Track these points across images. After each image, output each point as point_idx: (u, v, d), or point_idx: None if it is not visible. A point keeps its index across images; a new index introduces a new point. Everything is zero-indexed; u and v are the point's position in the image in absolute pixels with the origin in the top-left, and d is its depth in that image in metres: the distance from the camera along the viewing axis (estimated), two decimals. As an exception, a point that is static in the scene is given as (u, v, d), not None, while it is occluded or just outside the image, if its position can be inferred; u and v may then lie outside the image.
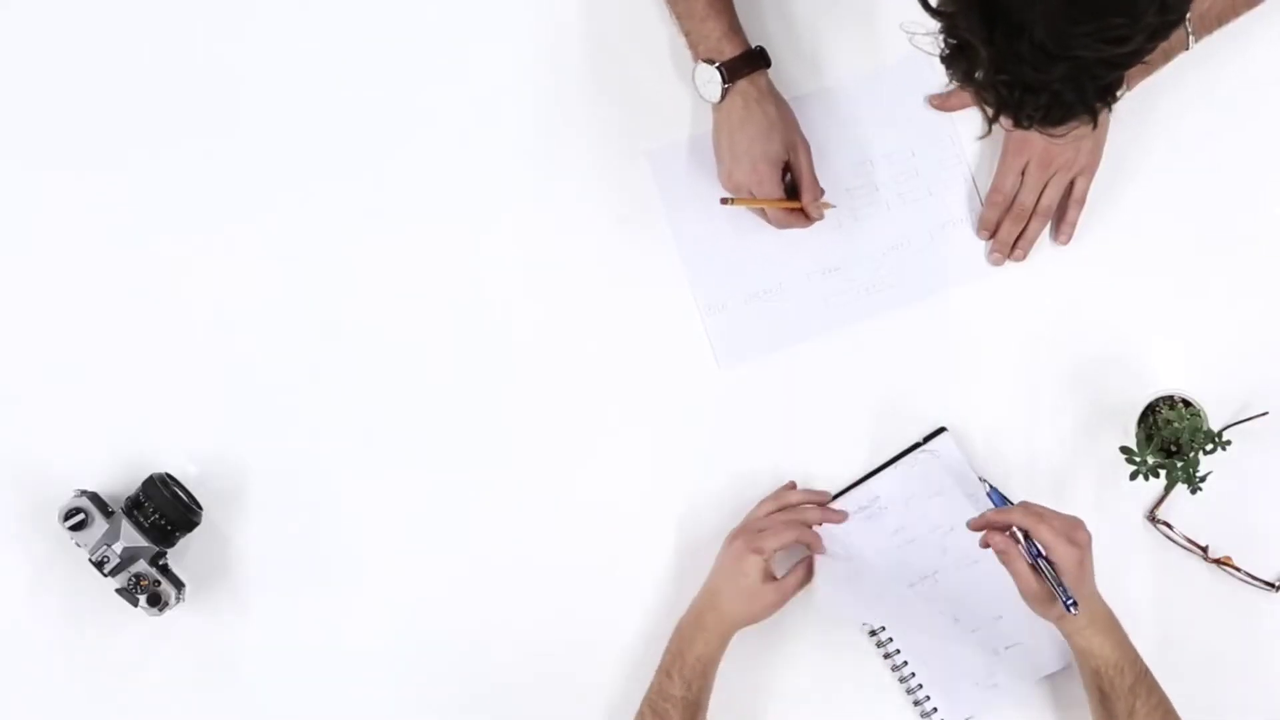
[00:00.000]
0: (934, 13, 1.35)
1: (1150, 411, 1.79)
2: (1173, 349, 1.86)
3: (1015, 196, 1.85)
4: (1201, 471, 1.72)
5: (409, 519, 1.86)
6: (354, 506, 1.86)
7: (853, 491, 1.85)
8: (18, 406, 1.87)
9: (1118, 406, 1.83)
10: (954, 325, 1.88)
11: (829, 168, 1.86)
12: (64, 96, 1.89)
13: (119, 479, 1.84)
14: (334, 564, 1.86)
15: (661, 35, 1.88)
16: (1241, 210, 1.88)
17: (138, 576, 1.78)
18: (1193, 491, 1.74)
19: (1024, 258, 1.87)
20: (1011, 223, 1.86)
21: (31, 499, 1.84)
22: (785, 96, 1.84)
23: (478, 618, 1.86)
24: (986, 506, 1.80)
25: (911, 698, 1.83)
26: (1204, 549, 1.84)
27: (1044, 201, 1.85)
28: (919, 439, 1.86)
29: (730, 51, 1.78)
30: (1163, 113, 1.86)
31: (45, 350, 1.87)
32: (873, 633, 1.83)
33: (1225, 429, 1.78)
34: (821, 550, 1.81)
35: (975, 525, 1.73)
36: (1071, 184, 1.85)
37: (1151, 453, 1.73)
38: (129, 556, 1.77)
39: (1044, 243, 1.88)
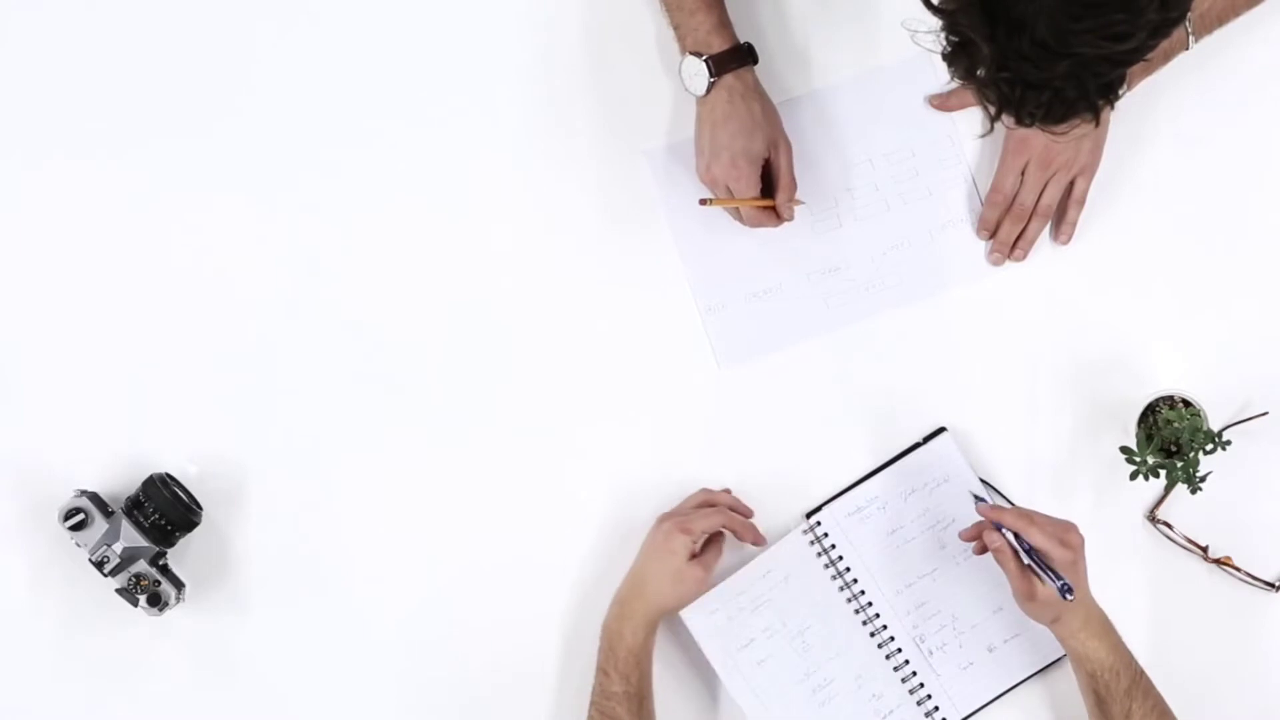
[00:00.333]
0: (935, 10, 1.35)
1: (1150, 411, 1.79)
2: (1173, 349, 1.86)
3: (1015, 196, 1.86)
4: (1201, 471, 1.73)
5: (409, 519, 1.86)
6: (353, 506, 1.86)
7: (853, 491, 1.86)
8: (18, 406, 1.87)
9: (1118, 406, 1.84)
10: (954, 325, 1.88)
11: (829, 167, 1.87)
12: (62, 98, 1.89)
13: (119, 479, 1.84)
14: (334, 564, 1.86)
15: (660, 35, 1.88)
16: (1242, 210, 1.88)
17: (138, 576, 1.78)
18: (1193, 491, 1.74)
19: (1024, 258, 1.87)
20: (1011, 223, 1.86)
21: (31, 499, 1.84)
22: (785, 97, 1.85)
23: (478, 618, 1.86)
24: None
25: (914, 698, 1.83)
26: (1204, 549, 1.84)
27: (1044, 201, 1.85)
28: (919, 439, 1.86)
29: (718, 46, 1.78)
30: (1163, 113, 1.86)
31: (45, 350, 1.87)
32: (873, 633, 1.84)
33: (1225, 429, 1.78)
34: (750, 539, 1.81)
35: (967, 535, 1.76)
36: (1071, 184, 1.85)
37: (1151, 453, 1.73)
38: (129, 556, 1.77)
39: (1044, 243, 1.88)
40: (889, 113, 1.89)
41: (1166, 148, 1.87)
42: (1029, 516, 1.71)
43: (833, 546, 1.85)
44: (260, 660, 1.85)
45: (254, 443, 1.86)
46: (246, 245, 1.88)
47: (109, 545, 1.77)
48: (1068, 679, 1.79)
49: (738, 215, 1.84)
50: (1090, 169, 1.84)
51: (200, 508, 1.84)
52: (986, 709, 1.84)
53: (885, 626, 1.84)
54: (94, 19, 1.89)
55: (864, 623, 1.84)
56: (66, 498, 1.78)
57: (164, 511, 1.79)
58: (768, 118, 1.81)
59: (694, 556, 1.78)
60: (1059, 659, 1.82)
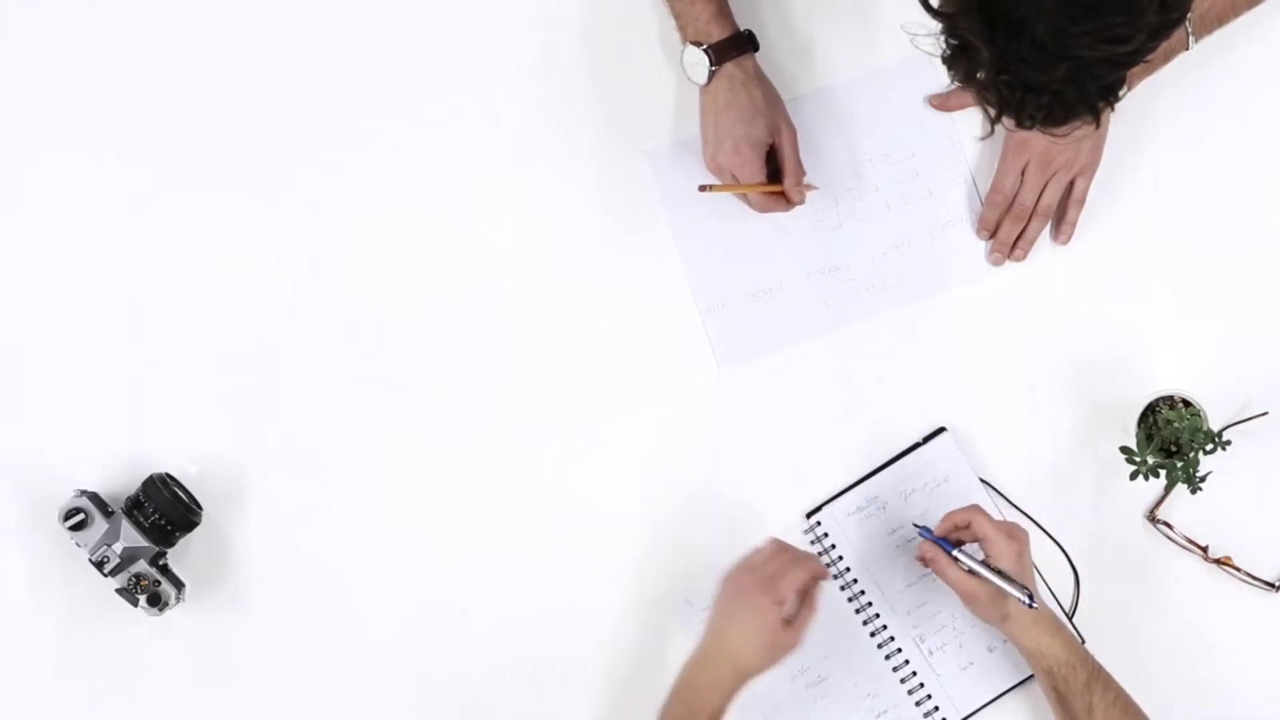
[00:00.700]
0: (935, 13, 1.35)
1: (1150, 411, 1.79)
2: (1173, 349, 1.86)
3: (1015, 196, 1.86)
4: (1201, 471, 1.73)
5: (409, 519, 1.86)
6: (353, 506, 1.86)
7: (853, 491, 1.86)
8: (18, 406, 1.87)
9: (1118, 406, 1.84)
10: (954, 325, 1.88)
11: (828, 167, 1.87)
12: (62, 98, 1.89)
13: (119, 479, 1.84)
14: (333, 564, 1.86)
15: (661, 35, 1.88)
16: (1241, 210, 1.88)
17: (138, 576, 1.78)
18: (1193, 491, 1.74)
19: (1024, 258, 1.87)
20: (1011, 223, 1.86)
21: (31, 499, 1.84)
22: (786, 96, 1.84)
23: (477, 618, 1.86)
24: (986, 505, 1.81)
25: (913, 698, 1.83)
26: (1204, 549, 1.84)
27: (1044, 201, 1.85)
28: (919, 439, 1.86)
29: (718, 34, 1.78)
30: (1163, 113, 1.86)
31: (45, 350, 1.87)
32: (874, 633, 1.84)
33: (1225, 429, 1.78)
34: (827, 576, 1.75)
35: (923, 554, 1.77)
36: (1071, 184, 1.85)
37: (1151, 453, 1.74)
38: (129, 556, 1.77)
39: (1044, 243, 1.88)
40: (889, 113, 1.89)
41: (1166, 148, 1.87)
42: (977, 509, 1.74)
43: (833, 546, 1.85)
44: (260, 660, 1.85)
45: (254, 443, 1.86)
46: (246, 245, 1.88)
47: (109, 545, 1.77)
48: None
49: (746, 200, 1.84)
50: (1090, 169, 1.84)
51: (200, 508, 1.84)
52: (986, 709, 1.83)
53: (885, 626, 1.84)
54: (94, 20, 1.89)
55: (864, 622, 1.84)
56: (66, 498, 1.78)
57: (164, 511, 1.79)
58: (769, 103, 1.81)
59: (787, 622, 1.68)
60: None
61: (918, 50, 1.41)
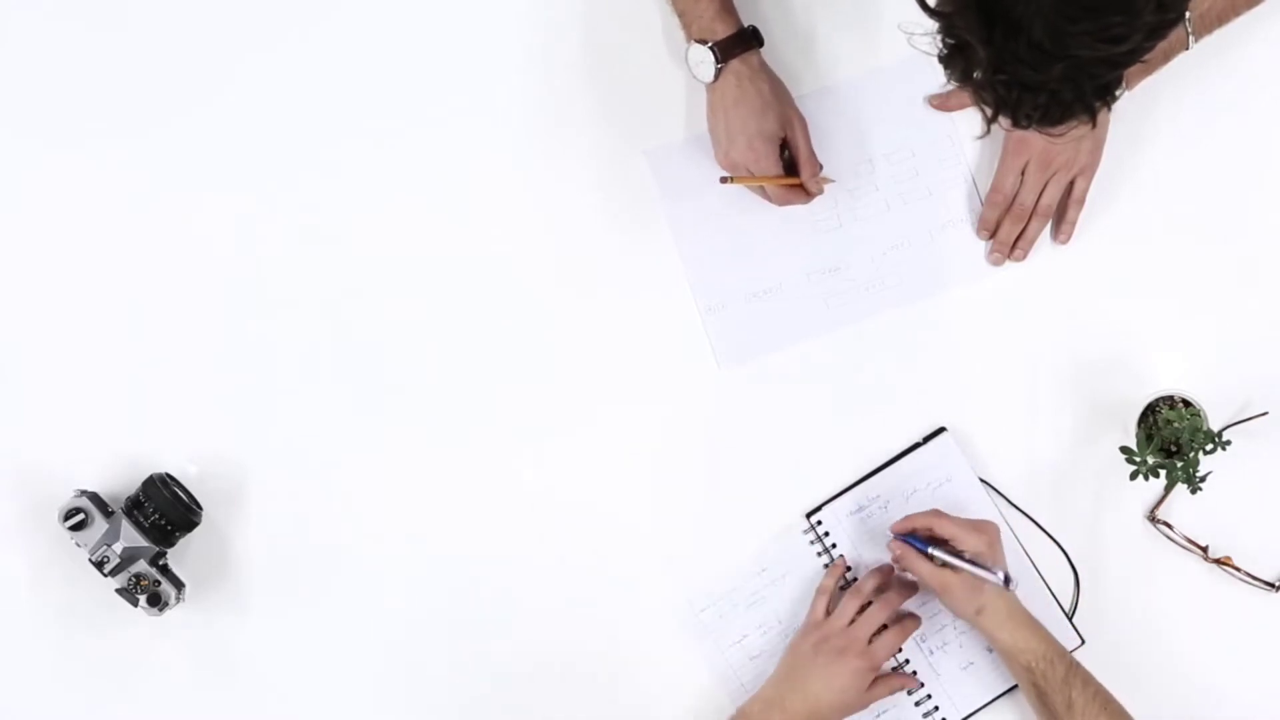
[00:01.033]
0: (932, 13, 1.35)
1: (1150, 411, 1.79)
2: (1173, 348, 1.86)
3: (1015, 196, 1.85)
4: (1201, 471, 1.72)
5: (409, 519, 1.86)
6: (354, 506, 1.86)
7: (853, 490, 1.86)
8: (18, 406, 1.87)
9: (1118, 406, 1.83)
10: (954, 325, 1.88)
11: (829, 167, 1.86)
12: (62, 98, 1.89)
13: (119, 479, 1.84)
14: (334, 564, 1.86)
15: (661, 35, 1.88)
16: (1241, 210, 1.87)
17: (138, 576, 1.78)
18: (1193, 491, 1.74)
19: (1024, 258, 1.87)
20: (1011, 223, 1.86)
21: (31, 499, 1.84)
22: (785, 96, 1.85)
23: (477, 617, 1.86)
24: (985, 505, 1.82)
25: (913, 698, 1.83)
26: (1204, 549, 1.83)
27: (1044, 201, 1.85)
28: (919, 439, 1.86)
29: (723, 31, 1.78)
30: (1162, 113, 1.86)
31: (45, 350, 1.87)
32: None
33: (1225, 429, 1.78)
34: (918, 624, 1.81)
35: (892, 551, 1.78)
36: (1071, 184, 1.85)
37: (1151, 453, 1.73)
38: (129, 556, 1.78)
39: (1044, 243, 1.88)
40: (889, 113, 1.89)
41: (1166, 148, 1.87)
42: (936, 511, 1.75)
43: (834, 546, 1.85)
44: (260, 660, 1.85)
45: (254, 443, 1.87)
46: (247, 245, 1.88)
47: (109, 545, 1.77)
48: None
49: (764, 194, 1.84)
50: (1090, 169, 1.84)
51: (200, 508, 1.84)
52: (986, 709, 1.83)
53: (886, 626, 1.84)
54: (94, 19, 1.89)
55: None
56: (66, 498, 1.78)
57: (164, 511, 1.79)
58: (778, 96, 1.81)
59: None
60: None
61: (917, 50, 1.41)
